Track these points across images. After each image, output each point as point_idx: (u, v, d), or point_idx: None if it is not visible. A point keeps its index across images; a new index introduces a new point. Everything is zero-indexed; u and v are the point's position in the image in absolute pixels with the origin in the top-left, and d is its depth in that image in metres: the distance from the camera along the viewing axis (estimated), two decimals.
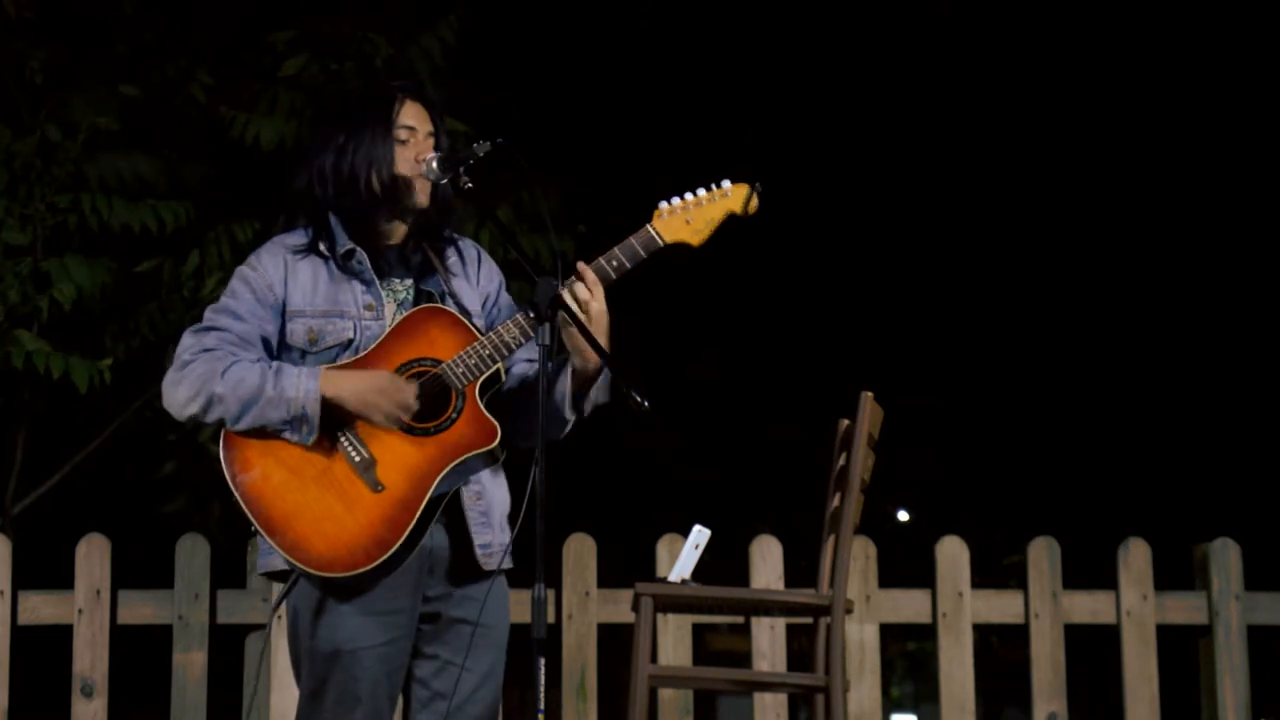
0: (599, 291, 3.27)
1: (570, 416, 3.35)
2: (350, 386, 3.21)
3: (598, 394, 3.35)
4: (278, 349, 3.34)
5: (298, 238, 3.39)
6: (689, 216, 3.33)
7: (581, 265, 3.28)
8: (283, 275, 3.34)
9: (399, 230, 3.43)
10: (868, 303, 13.90)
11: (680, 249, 3.33)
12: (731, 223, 3.36)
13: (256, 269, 3.35)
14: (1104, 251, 13.51)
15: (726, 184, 3.36)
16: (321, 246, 3.36)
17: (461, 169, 3.29)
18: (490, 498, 3.35)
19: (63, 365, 5.37)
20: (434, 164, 3.33)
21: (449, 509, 3.29)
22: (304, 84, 5.98)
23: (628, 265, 3.30)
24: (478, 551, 3.30)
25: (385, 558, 3.19)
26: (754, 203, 3.35)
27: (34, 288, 5.51)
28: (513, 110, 6.83)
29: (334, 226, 3.37)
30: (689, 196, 3.34)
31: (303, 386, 3.19)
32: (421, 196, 3.37)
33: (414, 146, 3.37)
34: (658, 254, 3.33)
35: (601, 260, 3.31)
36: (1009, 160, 12.77)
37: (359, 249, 3.36)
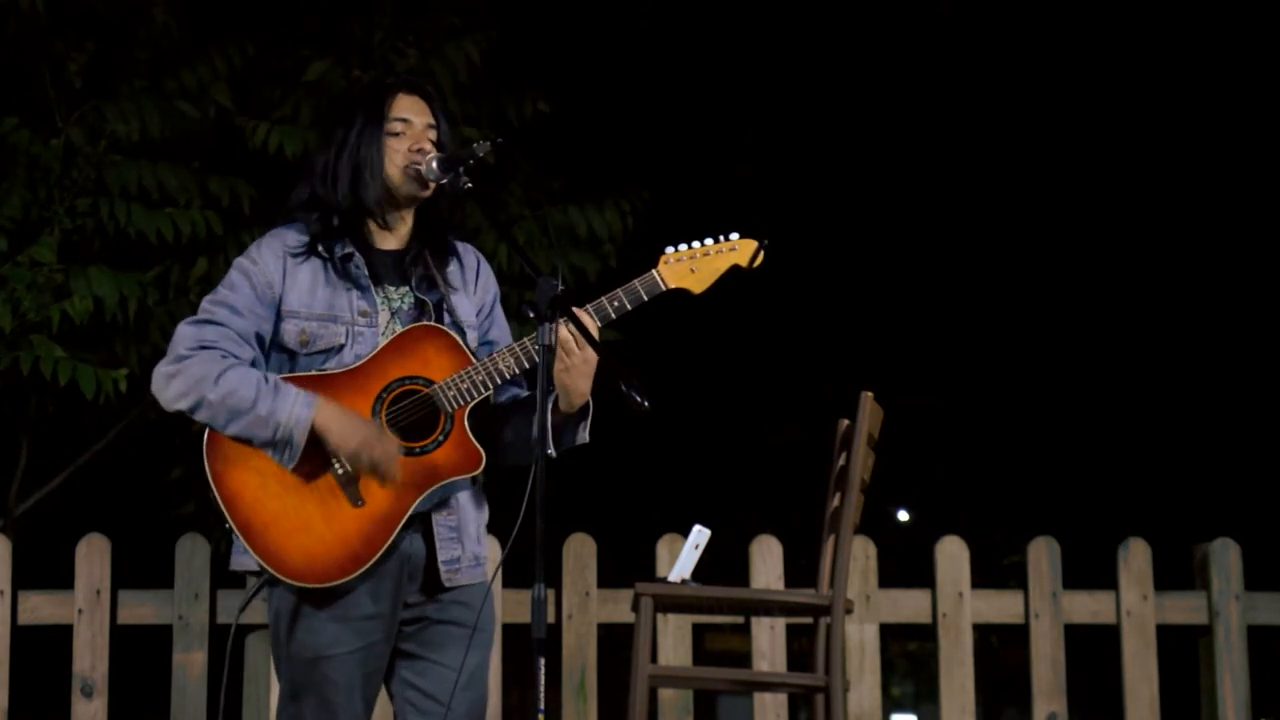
0: (593, 335, 3.25)
1: (548, 452, 3.34)
2: (339, 430, 3.18)
3: (580, 434, 3.35)
4: (269, 347, 3.32)
5: (297, 235, 3.36)
6: (694, 265, 3.37)
7: (578, 309, 3.26)
8: (281, 273, 3.31)
9: (399, 234, 3.40)
10: (868, 303, 13.91)
11: (681, 294, 3.38)
12: (735, 274, 3.39)
13: (257, 263, 3.32)
14: (1104, 251, 13.51)
15: (735, 237, 3.40)
16: (320, 248, 3.35)
17: (461, 169, 3.28)
18: (463, 512, 3.34)
19: (71, 372, 5.35)
20: (434, 164, 3.31)
21: (422, 520, 3.29)
22: (327, 90, 5.94)
23: (628, 306, 3.32)
24: (441, 568, 3.30)
25: (359, 573, 3.19)
26: (760, 258, 3.39)
27: (50, 297, 5.49)
28: (559, 125, 6.82)
29: (334, 228, 3.36)
30: (696, 245, 3.38)
31: (295, 414, 3.16)
32: (424, 192, 3.35)
33: (409, 138, 3.35)
34: (659, 297, 3.37)
35: (604, 299, 3.32)
36: (1009, 161, 12.77)
37: (357, 253, 3.35)
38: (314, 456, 3.20)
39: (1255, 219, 12.54)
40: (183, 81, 5.85)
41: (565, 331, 3.23)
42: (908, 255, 13.64)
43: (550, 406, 3.29)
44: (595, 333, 3.26)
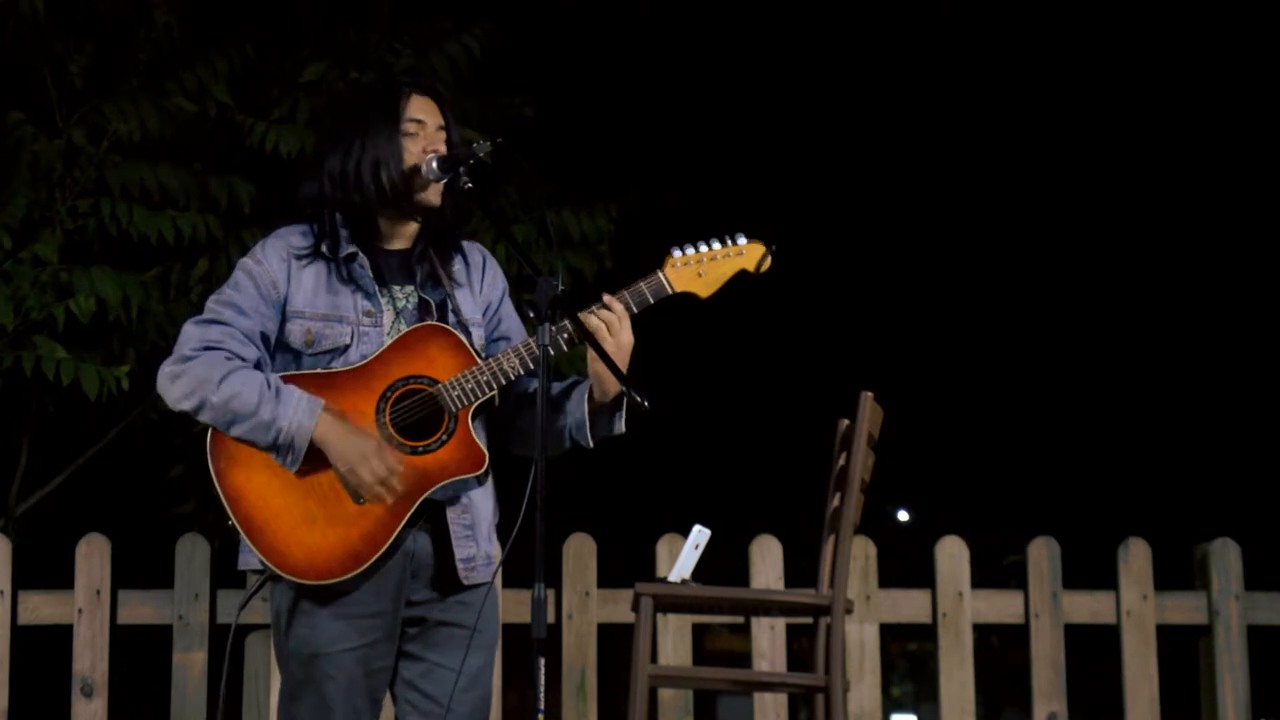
0: (626, 322, 3.29)
1: (585, 442, 3.35)
2: (338, 444, 3.18)
3: (616, 423, 3.36)
4: (275, 347, 3.33)
5: (302, 236, 3.37)
6: (701, 269, 3.36)
7: (608, 296, 3.30)
8: (286, 273, 3.32)
9: (406, 234, 3.41)
10: (868, 303, 13.90)
11: (687, 298, 3.35)
12: (742, 278, 3.38)
13: (262, 263, 3.33)
14: (1104, 251, 13.51)
15: (742, 240, 3.38)
16: (324, 248, 3.35)
17: (461, 169, 3.29)
18: (477, 510, 3.34)
19: (73, 372, 5.35)
20: (433, 164, 3.32)
21: (433, 518, 3.30)
22: (324, 91, 5.96)
23: (634, 309, 3.32)
24: (459, 565, 3.30)
25: (359, 571, 3.20)
26: (767, 263, 3.37)
27: (54, 296, 5.49)
28: (553, 129, 6.82)
29: (339, 228, 3.36)
30: (703, 248, 3.36)
31: (296, 420, 3.17)
32: (429, 194, 3.36)
33: (422, 139, 3.35)
34: (665, 301, 3.35)
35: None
36: (1009, 161, 12.77)
37: (361, 253, 3.35)
38: (317, 455, 3.21)
39: (1255, 219, 12.54)
40: (183, 83, 5.86)
41: (596, 319, 3.26)
42: (908, 256, 13.64)
43: (585, 397, 3.31)
44: (628, 321, 3.27)
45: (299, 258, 3.34)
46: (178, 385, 3.23)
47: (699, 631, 5.01)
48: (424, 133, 3.36)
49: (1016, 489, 14.50)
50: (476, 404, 3.28)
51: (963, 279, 13.82)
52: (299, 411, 3.18)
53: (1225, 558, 5.08)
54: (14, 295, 5.43)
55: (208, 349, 3.24)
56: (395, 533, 3.21)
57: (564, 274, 3.47)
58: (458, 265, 3.45)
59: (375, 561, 3.20)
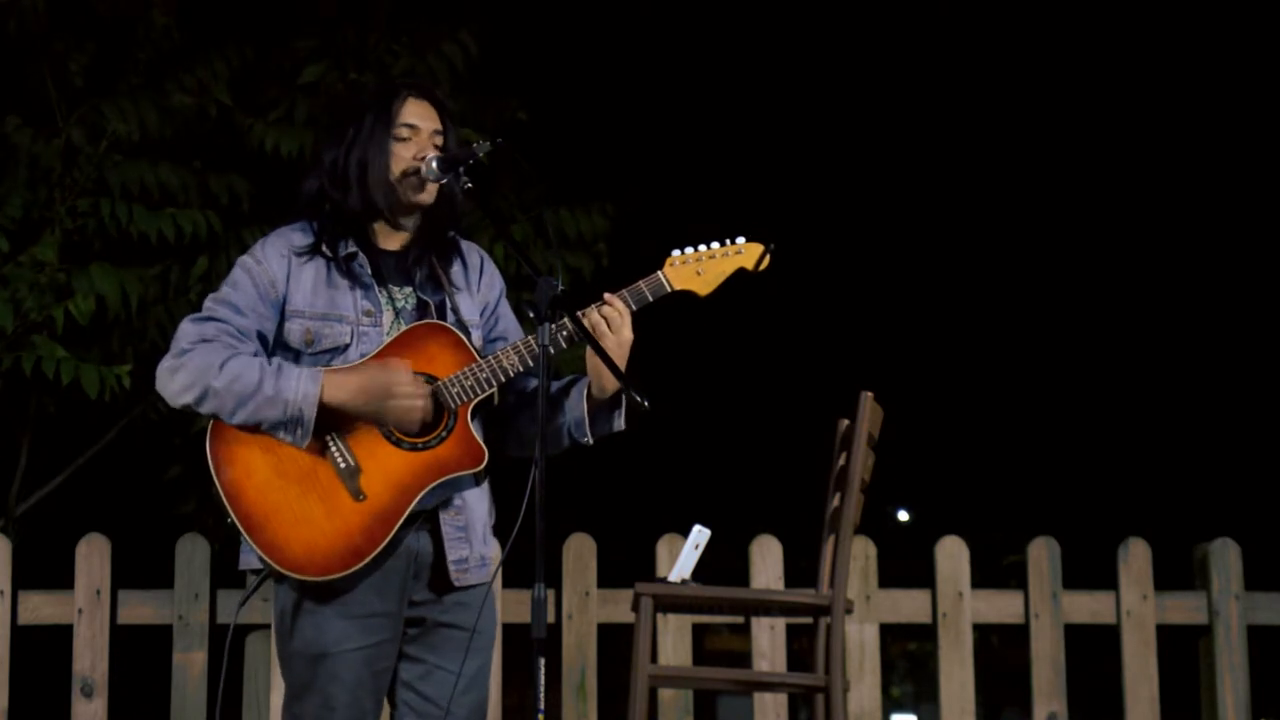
0: (627, 319, 3.30)
1: (584, 440, 3.36)
2: (352, 393, 3.19)
3: (615, 420, 3.36)
4: (274, 346, 3.33)
5: (302, 235, 3.37)
6: (700, 268, 3.39)
7: (609, 295, 3.32)
8: (285, 273, 3.32)
9: (402, 235, 3.41)
10: (868, 302, 13.90)
11: (686, 296, 3.39)
12: (741, 277, 3.41)
13: (261, 262, 3.33)
14: (1104, 252, 13.51)
15: (741, 240, 3.42)
16: (324, 247, 3.35)
17: (461, 169, 3.29)
18: (471, 512, 3.34)
19: (73, 372, 5.35)
20: (433, 164, 3.32)
21: (429, 518, 3.30)
22: (323, 91, 5.97)
23: (633, 307, 3.34)
24: (450, 567, 3.30)
25: (359, 566, 3.20)
26: (766, 262, 3.40)
27: (52, 297, 5.48)
28: (548, 129, 6.84)
29: (339, 228, 3.36)
30: (703, 248, 3.41)
31: (301, 389, 3.18)
32: (423, 194, 3.36)
33: (415, 144, 3.36)
34: (664, 299, 3.38)
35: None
36: (1009, 161, 12.77)
37: (361, 253, 3.36)
38: (316, 449, 3.21)
39: (1255, 219, 12.54)
40: (183, 84, 5.86)
41: (598, 315, 3.28)
42: (907, 256, 13.64)
43: (584, 394, 3.32)
44: (628, 318, 3.29)
45: (299, 255, 3.34)
46: (178, 378, 3.23)
47: (699, 631, 5.01)
48: (417, 138, 3.36)
49: (1016, 489, 14.51)
50: (476, 401, 3.28)
51: (962, 279, 13.83)
52: (302, 381, 3.18)
53: (1225, 558, 5.08)
54: (12, 298, 5.43)
55: (204, 341, 3.24)
56: (395, 528, 3.21)
57: (562, 273, 3.47)
58: (456, 268, 3.46)
59: (375, 557, 3.20)
